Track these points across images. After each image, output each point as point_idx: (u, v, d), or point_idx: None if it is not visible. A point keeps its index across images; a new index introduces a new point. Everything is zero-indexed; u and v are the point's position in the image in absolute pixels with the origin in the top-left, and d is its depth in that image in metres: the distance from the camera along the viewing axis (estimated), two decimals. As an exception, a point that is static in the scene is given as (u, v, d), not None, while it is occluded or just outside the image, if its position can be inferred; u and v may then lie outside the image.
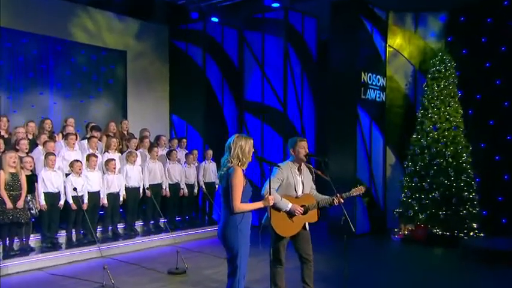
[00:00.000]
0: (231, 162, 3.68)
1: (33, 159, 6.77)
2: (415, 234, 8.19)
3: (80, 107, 9.96)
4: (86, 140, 7.89)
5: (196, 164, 9.14)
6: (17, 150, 6.82)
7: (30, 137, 7.58)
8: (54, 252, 6.72)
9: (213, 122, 10.60)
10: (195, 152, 9.31)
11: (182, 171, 8.72)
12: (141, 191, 8.00)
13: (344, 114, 8.91)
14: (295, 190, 4.48)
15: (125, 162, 7.99)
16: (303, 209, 4.42)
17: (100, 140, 8.24)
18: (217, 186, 9.13)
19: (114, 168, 7.63)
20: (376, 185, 9.32)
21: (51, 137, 7.74)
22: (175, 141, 9.26)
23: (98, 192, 7.40)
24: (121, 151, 8.37)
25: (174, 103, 11.12)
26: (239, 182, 3.62)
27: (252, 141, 3.75)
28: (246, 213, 3.69)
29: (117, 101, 10.55)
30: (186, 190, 8.69)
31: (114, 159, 7.70)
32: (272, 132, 9.82)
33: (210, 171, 9.18)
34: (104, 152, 8.01)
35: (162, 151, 8.82)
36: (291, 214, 4.38)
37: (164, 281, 5.79)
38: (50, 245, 6.86)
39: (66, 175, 7.18)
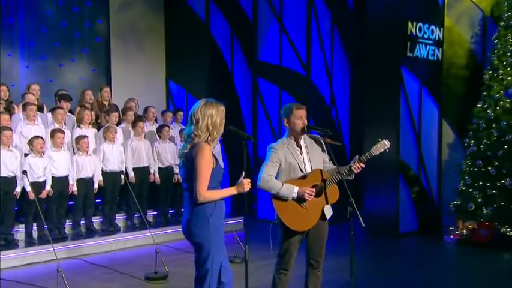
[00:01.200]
0: (198, 137, 3.47)
1: None
2: (477, 235, 7.81)
3: (59, 72, 9.73)
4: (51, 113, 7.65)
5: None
6: None
7: None
8: (7, 251, 6.51)
9: (219, 90, 10.14)
10: None
11: (175, 151, 8.37)
12: (122, 176, 7.73)
13: (384, 78, 8.49)
14: (302, 170, 4.27)
15: (102, 140, 7.73)
16: (314, 190, 4.19)
17: (74, 112, 8.05)
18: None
19: (87, 147, 7.38)
20: (427, 172, 8.90)
21: (8, 108, 7.52)
22: (169, 114, 8.97)
23: (66, 178, 7.19)
24: (99, 127, 8.12)
25: (171, 66, 10.80)
26: (206, 164, 3.43)
27: (223, 108, 3.58)
28: (218, 202, 3.52)
29: (101, 65, 10.26)
30: (180, 175, 8.39)
31: (87, 137, 7.43)
32: (292, 101, 9.32)
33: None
34: (75, 127, 7.75)
35: (150, 127, 8.58)
36: (302, 200, 4.18)
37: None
38: (3, 242, 6.69)
39: (26, 155, 6.96)
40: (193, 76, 10.40)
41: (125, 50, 10.31)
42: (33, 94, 7.72)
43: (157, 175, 8.16)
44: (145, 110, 8.79)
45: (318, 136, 4.43)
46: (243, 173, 3.60)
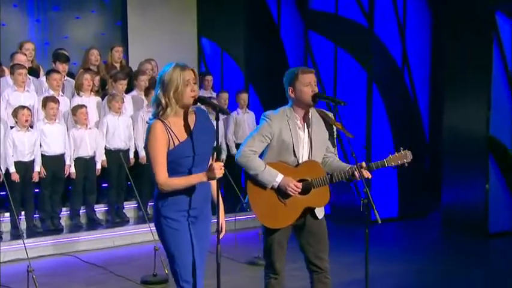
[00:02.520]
0: (156, 109, 3.55)
1: None
2: None
3: (75, 26, 9.96)
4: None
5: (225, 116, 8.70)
6: None
7: None
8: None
9: (262, 47, 10.22)
10: (224, 95, 8.98)
11: None
12: (131, 156, 7.78)
13: (473, 27, 8.13)
14: (295, 154, 4.20)
15: (106, 111, 7.75)
16: (300, 185, 4.14)
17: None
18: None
19: (86, 119, 7.42)
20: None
21: None
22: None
23: (61, 156, 7.26)
24: (105, 95, 8.13)
25: (203, 19, 10.85)
26: (155, 147, 3.50)
27: (189, 72, 3.55)
28: (179, 193, 3.54)
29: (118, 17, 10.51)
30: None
31: (85, 106, 7.45)
32: (352, 62, 9.09)
33: (246, 125, 8.96)
34: (75, 95, 7.81)
35: None
36: (282, 193, 4.15)
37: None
38: None
39: (12, 128, 7.07)
40: (231, 31, 10.44)
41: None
42: (25, 54, 7.78)
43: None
44: None
45: (330, 114, 4.30)
46: (214, 154, 3.59)
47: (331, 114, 4.35)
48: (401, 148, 4.24)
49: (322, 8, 9.46)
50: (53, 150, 7.12)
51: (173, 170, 3.55)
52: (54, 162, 7.15)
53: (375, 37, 8.89)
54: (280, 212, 4.21)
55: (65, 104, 7.61)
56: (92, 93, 7.83)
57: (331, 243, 7.42)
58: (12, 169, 6.81)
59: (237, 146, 8.78)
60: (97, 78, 8.14)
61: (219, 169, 3.46)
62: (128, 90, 8.34)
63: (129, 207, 8.10)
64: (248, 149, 4.16)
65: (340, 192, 9.15)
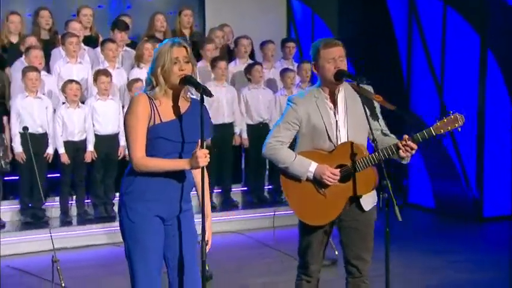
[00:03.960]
0: (146, 88, 3.94)
1: None
2: None
3: None
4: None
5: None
6: None
7: (13, 39, 8.37)
8: (37, 230, 7.41)
9: (359, 8, 10.41)
10: (306, 66, 9.19)
11: (273, 102, 8.78)
12: None
13: None
14: (330, 139, 4.39)
15: None
16: (337, 172, 4.32)
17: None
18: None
19: None
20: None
21: (52, 41, 8.46)
22: (271, 47, 9.38)
23: (115, 136, 7.90)
24: None
25: None
26: (133, 119, 3.83)
27: (179, 49, 3.87)
28: (144, 177, 3.85)
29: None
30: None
31: (142, 80, 7.93)
32: (463, 25, 9.13)
33: None
34: (134, 67, 8.49)
35: (240, 64, 9.03)
36: (320, 184, 4.36)
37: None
38: (31, 219, 7.59)
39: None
40: None
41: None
42: (79, 22, 8.57)
43: (244, 135, 8.61)
44: (236, 41, 9.27)
45: (367, 89, 4.43)
46: (198, 141, 3.81)
47: (369, 88, 4.47)
48: (451, 112, 4.28)
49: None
50: (105, 129, 7.78)
51: (151, 150, 3.83)
52: (107, 143, 7.81)
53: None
54: (320, 207, 4.44)
55: (122, 77, 8.30)
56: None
57: (433, 240, 7.81)
58: (62, 150, 7.56)
59: None
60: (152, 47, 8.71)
61: (203, 157, 3.67)
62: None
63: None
64: (274, 140, 4.41)
65: (447, 184, 9.35)
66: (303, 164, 4.35)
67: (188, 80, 3.87)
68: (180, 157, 3.89)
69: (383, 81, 10.19)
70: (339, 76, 4.29)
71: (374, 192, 4.51)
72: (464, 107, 8.89)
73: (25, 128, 7.33)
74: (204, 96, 3.65)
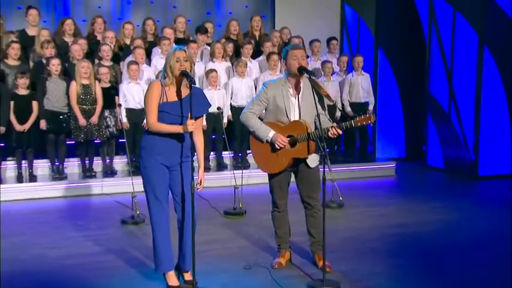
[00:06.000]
0: (161, 77, 4.62)
1: (111, 69, 8.55)
2: None
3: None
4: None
5: (343, 77, 9.63)
6: (101, 59, 8.72)
7: (127, 41, 9.36)
8: (135, 176, 8.05)
9: (394, 11, 10.76)
10: (344, 58, 9.64)
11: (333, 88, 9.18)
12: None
13: None
14: (287, 116, 4.93)
15: (234, 74, 9.02)
16: (286, 140, 4.88)
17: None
18: (370, 108, 9.59)
19: (215, 81, 8.67)
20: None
21: (155, 42, 9.32)
22: (317, 44, 9.79)
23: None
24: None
25: None
26: (150, 97, 4.53)
27: (180, 52, 4.50)
28: (154, 137, 4.56)
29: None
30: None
31: (215, 71, 8.75)
32: (466, 26, 9.26)
33: (359, 87, 9.44)
34: (208, 61, 9.21)
35: None
36: (273, 146, 4.93)
37: (217, 221, 7.07)
38: (135, 169, 8.26)
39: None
40: None
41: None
42: (172, 28, 9.36)
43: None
44: (289, 40, 9.70)
45: (319, 83, 4.96)
46: (189, 114, 4.43)
47: (321, 83, 4.96)
48: (367, 112, 4.93)
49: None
50: None
51: (159, 121, 4.44)
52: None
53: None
54: (273, 161, 4.98)
55: (200, 69, 8.95)
56: (223, 59, 9.07)
57: (430, 192, 8.40)
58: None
59: (351, 104, 9.36)
60: (230, 45, 9.36)
61: (190, 125, 4.33)
62: (259, 55, 9.54)
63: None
64: (249, 111, 4.98)
65: (452, 149, 9.57)
66: (265, 131, 4.89)
67: (184, 73, 4.44)
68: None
69: (411, 67, 10.75)
70: (300, 70, 4.82)
71: (315, 155, 5.04)
72: (466, 88, 9.19)
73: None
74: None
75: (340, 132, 4.82)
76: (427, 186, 9.11)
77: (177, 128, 4.50)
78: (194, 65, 4.86)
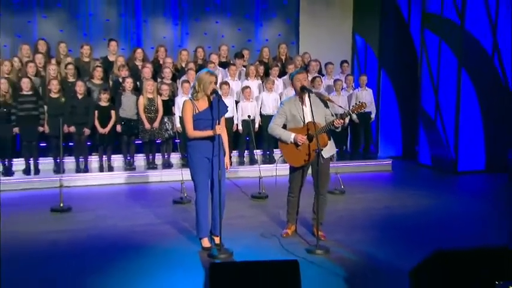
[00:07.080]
0: (192, 92, 5.14)
1: (170, 86, 9.32)
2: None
3: (247, 29, 11.97)
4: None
5: (350, 92, 10.12)
6: (163, 78, 9.48)
7: (183, 64, 10.01)
8: (185, 168, 9.19)
9: (393, 39, 11.01)
10: (350, 77, 10.10)
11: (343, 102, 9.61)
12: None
13: None
14: (303, 121, 5.34)
15: (263, 90, 9.67)
16: (304, 137, 5.28)
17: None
18: (372, 117, 10.12)
19: (249, 95, 9.34)
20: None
21: (204, 64, 9.87)
22: (330, 66, 10.23)
23: (231, 119, 9.26)
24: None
25: (357, 19, 11.80)
26: (185, 113, 5.08)
27: (213, 77, 5.02)
28: (197, 138, 5.09)
29: (291, 19, 12.01)
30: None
31: (249, 87, 9.41)
32: (448, 52, 9.57)
33: (363, 100, 9.60)
34: (244, 79, 9.86)
35: (310, 77, 9.74)
36: (297, 144, 5.33)
37: (245, 202, 7.57)
38: (183, 163, 9.15)
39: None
40: (372, 27, 11.29)
41: (313, 7, 11.74)
42: (217, 54, 10.06)
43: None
44: (309, 63, 10.20)
45: (320, 93, 5.49)
46: (217, 121, 5.03)
47: (325, 95, 5.46)
48: (359, 102, 5.19)
49: (433, 10, 9.88)
50: (228, 115, 8.80)
51: (196, 127, 4.95)
52: (227, 123, 8.88)
53: (464, 32, 9.19)
54: (298, 155, 5.35)
55: (237, 85, 9.63)
56: (255, 78, 9.71)
57: (415, 185, 8.59)
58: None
59: (357, 113, 9.84)
60: (261, 67, 9.94)
61: (218, 129, 4.88)
62: (284, 75, 10.04)
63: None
64: (273, 124, 5.44)
65: (437, 148, 9.73)
66: (288, 135, 5.33)
67: (215, 92, 5.05)
68: (209, 128, 4.99)
69: (407, 84, 10.80)
70: (302, 89, 5.32)
71: (329, 147, 5.36)
72: (448, 101, 9.43)
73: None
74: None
75: (342, 121, 5.18)
76: (416, 179, 9.36)
77: (208, 133, 5.02)
78: (216, 84, 5.35)
